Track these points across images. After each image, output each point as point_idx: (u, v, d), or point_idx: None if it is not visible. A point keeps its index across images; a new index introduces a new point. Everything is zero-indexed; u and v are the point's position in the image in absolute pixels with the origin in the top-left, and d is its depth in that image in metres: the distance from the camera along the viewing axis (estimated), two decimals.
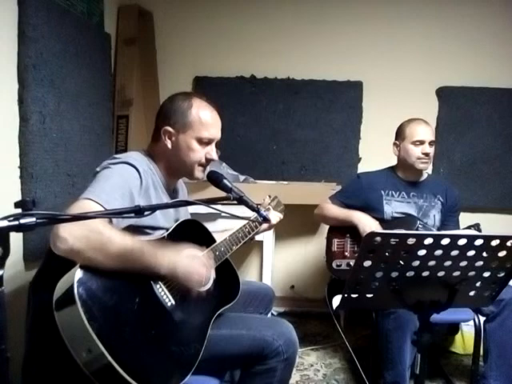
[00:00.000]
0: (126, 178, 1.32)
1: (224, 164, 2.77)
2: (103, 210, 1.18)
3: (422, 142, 2.18)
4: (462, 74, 2.98)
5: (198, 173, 1.49)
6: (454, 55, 2.99)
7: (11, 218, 0.76)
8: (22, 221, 0.76)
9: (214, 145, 1.49)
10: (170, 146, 1.45)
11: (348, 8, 3.03)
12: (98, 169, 1.36)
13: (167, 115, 1.46)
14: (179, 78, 3.07)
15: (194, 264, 1.30)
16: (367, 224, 2.14)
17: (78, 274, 1.10)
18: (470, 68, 2.99)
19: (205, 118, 1.45)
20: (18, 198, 1.83)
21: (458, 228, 2.25)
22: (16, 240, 1.82)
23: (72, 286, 1.07)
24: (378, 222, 2.16)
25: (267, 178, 2.98)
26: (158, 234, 1.40)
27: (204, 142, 1.46)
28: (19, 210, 0.81)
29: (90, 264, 1.13)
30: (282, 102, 3.08)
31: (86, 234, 1.12)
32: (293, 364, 1.50)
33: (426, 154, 2.18)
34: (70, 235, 1.10)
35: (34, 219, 0.78)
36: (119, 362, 1.07)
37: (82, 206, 1.18)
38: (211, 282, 1.39)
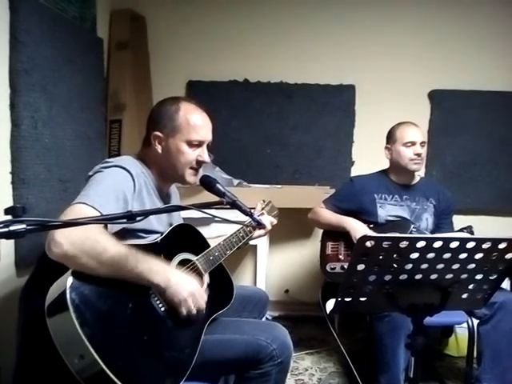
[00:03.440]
0: (119, 181, 1.32)
1: (217, 168, 2.77)
2: (98, 213, 1.17)
3: (413, 143, 2.20)
4: (454, 77, 3.00)
5: (190, 177, 1.48)
6: (446, 58, 3.01)
7: (1, 225, 0.75)
8: (12, 228, 0.76)
9: (205, 147, 1.48)
10: (160, 150, 1.45)
11: (341, 12, 3.04)
12: (90, 173, 1.35)
13: (156, 120, 1.46)
14: (172, 83, 3.06)
15: (189, 281, 1.30)
16: (359, 230, 2.14)
17: (71, 278, 1.09)
18: (462, 71, 3.01)
19: (193, 121, 1.45)
20: (10, 203, 1.81)
21: (453, 229, 2.26)
22: (7, 246, 1.80)
23: (64, 291, 1.07)
24: (369, 229, 2.16)
25: (261, 181, 2.97)
26: (152, 237, 1.39)
27: (194, 145, 1.45)
28: (9, 217, 0.80)
29: (84, 270, 1.12)
30: (276, 106, 3.08)
31: (82, 240, 1.11)
32: (287, 368, 1.49)
33: (419, 155, 2.20)
34: (66, 240, 1.09)
35: (23, 226, 0.77)
36: (112, 368, 1.06)
37: (77, 210, 1.18)
38: (206, 279, 1.36)
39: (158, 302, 1.27)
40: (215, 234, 1.68)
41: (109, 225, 1.22)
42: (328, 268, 2.25)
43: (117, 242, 1.18)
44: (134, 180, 1.35)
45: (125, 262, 1.16)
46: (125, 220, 1.03)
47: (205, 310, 1.41)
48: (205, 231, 1.58)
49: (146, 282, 1.21)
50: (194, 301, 1.28)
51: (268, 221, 1.80)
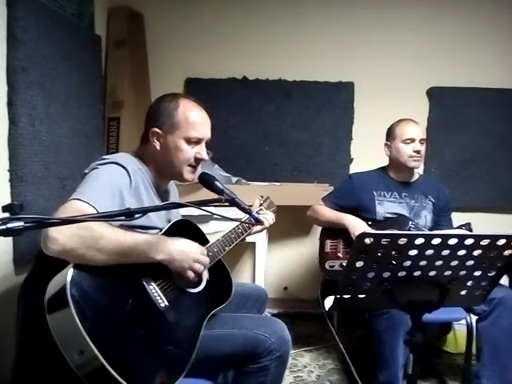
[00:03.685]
0: (115, 178, 1.31)
1: (216, 166, 2.77)
2: (93, 210, 1.17)
3: (412, 140, 2.21)
4: (453, 74, 3.00)
5: (187, 174, 1.48)
6: (445, 56, 3.00)
7: None
8: (10, 225, 0.76)
9: (203, 144, 1.48)
10: (158, 147, 1.45)
11: (339, 10, 3.04)
12: (86, 170, 1.35)
13: (155, 117, 1.46)
14: (171, 80, 3.06)
15: (189, 245, 1.32)
16: (357, 227, 2.14)
17: (71, 274, 1.09)
18: (461, 68, 3.01)
19: (192, 118, 1.44)
20: (8, 201, 1.81)
21: (452, 227, 2.26)
22: (6, 244, 1.80)
23: (64, 287, 1.07)
24: (368, 226, 2.17)
25: (260, 179, 2.97)
26: (151, 233, 1.39)
27: (193, 142, 1.45)
28: (7, 214, 0.80)
29: (84, 261, 1.12)
30: (274, 104, 3.07)
31: (77, 232, 1.11)
32: (285, 362, 1.50)
33: (418, 152, 2.20)
34: (61, 235, 1.09)
35: (21, 223, 0.77)
36: (112, 363, 1.06)
37: (72, 207, 1.17)
38: (205, 275, 1.37)
39: (157, 297, 1.27)
40: (214, 231, 1.68)
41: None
42: (327, 266, 2.26)
43: (112, 227, 1.18)
44: (130, 176, 1.34)
45: (123, 245, 1.17)
46: (123, 217, 1.03)
47: (204, 306, 1.42)
48: (203, 228, 1.58)
49: (148, 260, 1.22)
50: (200, 263, 1.32)
51: (267, 217, 1.80)
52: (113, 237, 1.16)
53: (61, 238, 1.09)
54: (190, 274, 1.31)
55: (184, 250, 1.29)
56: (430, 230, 2.24)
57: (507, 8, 2.96)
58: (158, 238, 1.28)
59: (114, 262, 1.16)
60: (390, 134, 2.29)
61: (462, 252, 1.15)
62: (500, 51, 2.99)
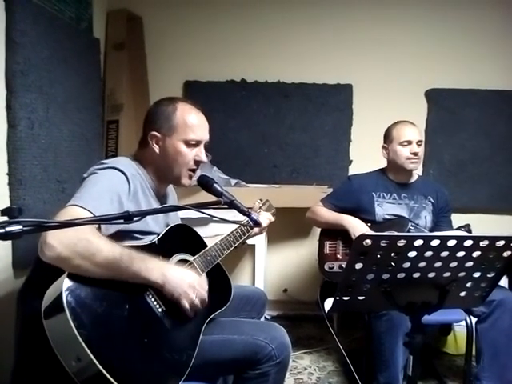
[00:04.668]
0: (114, 183, 1.31)
1: (215, 168, 2.77)
2: (91, 216, 1.17)
3: (409, 142, 2.21)
4: (451, 75, 3.00)
5: (185, 179, 1.48)
6: (443, 57, 3.01)
7: None
8: (8, 229, 0.76)
9: (202, 147, 1.48)
10: (157, 150, 1.45)
11: (337, 12, 3.05)
12: (85, 175, 1.35)
13: (153, 120, 1.46)
14: (169, 83, 3.06)
15: (187, 273, 1.30)
16: (357, 228, 2.14)
17: (67, 281, 1.09)
18: (459, 70, 3.01)
19: (190, 120, 1.45)
20: (7, 204, 1.81)
21: (452, 228, 2.26)
22: (5, 247, 1.80)
23: (60, 294, 1.07)
24: (367, 227, 2.17)
25: (259, 181, 2.97)
26: (149, 239, 1.39)
27: (191, 144, 1.45)
28: (6, 218, 0.80)
29: (78, 272, 1.12)
30: (273, 106, 3.08)
31: (75, 242, 1.11)
32: (286, 368, 1.49)
33: (415, 154, 2.20)
34: (59, 242, 1.09)
35: (20, 227, 0.77)
36: (109, 370, 1.05)
37: (70, 213, 1.17)
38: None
39: (154, 302, 1.27)
40: (213, 233, 1.68)
41: (104, 227, 1.22)
42: (326, 267, 2.26)
43: (110, 242, 1.18)
44: (128, 182, 1.34)
45: (119, 262, 1.16)
46: (122, 220, 1.03)
47: (203, 310, 1.41)
48: (202, 231, 1.58)
49: (143, 280, 1.20)
50: (195, 292, 1.28)
51: (265, 218, 1.80)
52: (109, 253, 1.15)
53: (58, 245, 1.09)
54: (185, 304, 1.26)
55: (180, 277, 1.26)
56: (430, 230, 2.24)
57: (505, 9, 2.97)
58: (155, 260, 1.25)
59: (108, 276, 1.15)
60: (387, 137, 2.30)
61: (461, 253, 1.15)
62: (498, 53, 2.99)
